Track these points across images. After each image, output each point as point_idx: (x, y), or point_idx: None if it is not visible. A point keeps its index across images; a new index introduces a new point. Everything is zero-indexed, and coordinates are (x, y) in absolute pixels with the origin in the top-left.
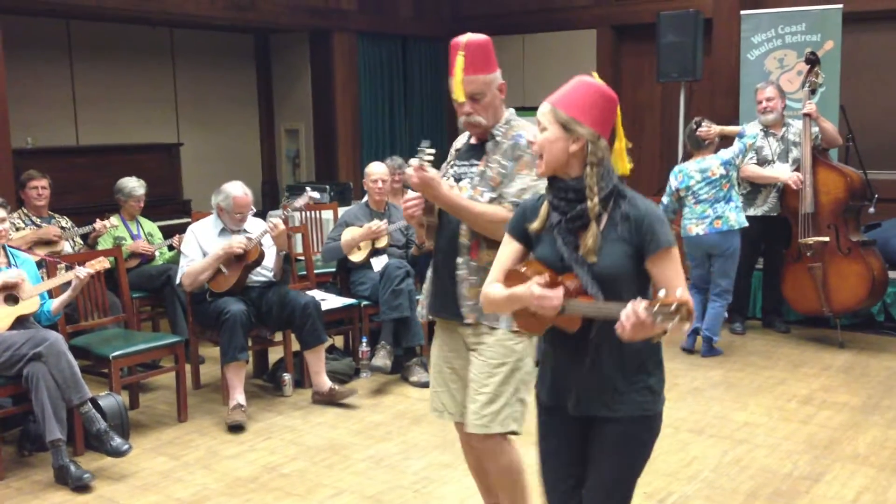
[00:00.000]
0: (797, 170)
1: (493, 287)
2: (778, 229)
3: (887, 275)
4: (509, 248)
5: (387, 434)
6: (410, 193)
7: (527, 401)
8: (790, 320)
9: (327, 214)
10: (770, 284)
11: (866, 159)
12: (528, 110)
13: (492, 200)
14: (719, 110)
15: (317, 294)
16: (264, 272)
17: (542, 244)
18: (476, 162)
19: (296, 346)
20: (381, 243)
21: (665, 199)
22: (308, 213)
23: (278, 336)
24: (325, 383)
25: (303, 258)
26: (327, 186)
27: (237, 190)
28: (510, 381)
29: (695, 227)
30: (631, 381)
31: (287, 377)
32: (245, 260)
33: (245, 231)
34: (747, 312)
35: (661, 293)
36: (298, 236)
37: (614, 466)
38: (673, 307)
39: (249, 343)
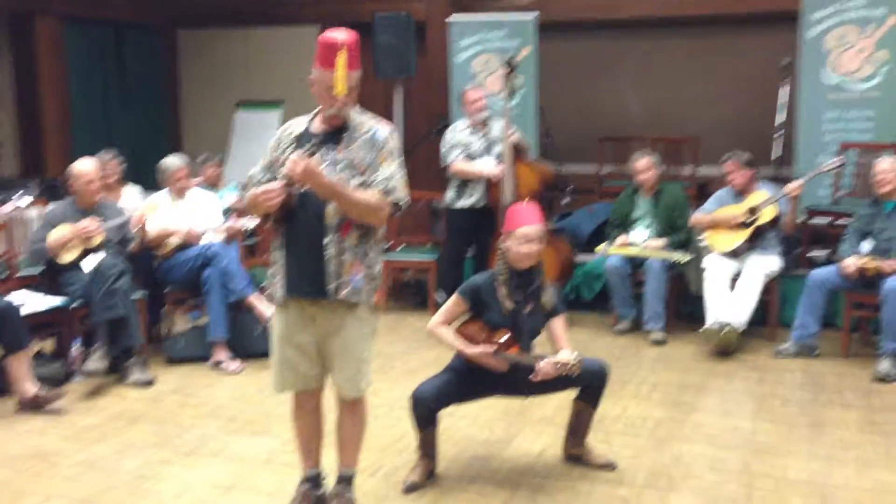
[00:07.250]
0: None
1: (445, 332)
2: (485, 219)
3: (574, 259)
4: (458, 306)
5: (101, 436)
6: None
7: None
8: None
9: (33, 212)
10: (480, 271)
11: (562, 154)
12: (253, 105)
13: (358, 185)
14: (433, 107)
15: (21, 295)
16: None
17: (491, 311)
18: (333, 148)
19: None
20: (95, 242)
21: None
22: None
23: None
24: (30, 389)
25: (3, 259)
26: (35, 181)
27: None
28: (373, 344)
29: None
30: None
31: None
32: None
33: None
34: None
35: (561, 354)
36: None
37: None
38: (570, 366)
39: None
